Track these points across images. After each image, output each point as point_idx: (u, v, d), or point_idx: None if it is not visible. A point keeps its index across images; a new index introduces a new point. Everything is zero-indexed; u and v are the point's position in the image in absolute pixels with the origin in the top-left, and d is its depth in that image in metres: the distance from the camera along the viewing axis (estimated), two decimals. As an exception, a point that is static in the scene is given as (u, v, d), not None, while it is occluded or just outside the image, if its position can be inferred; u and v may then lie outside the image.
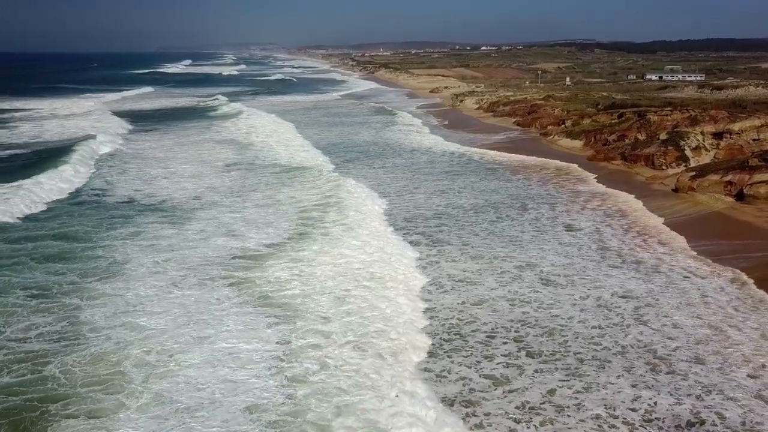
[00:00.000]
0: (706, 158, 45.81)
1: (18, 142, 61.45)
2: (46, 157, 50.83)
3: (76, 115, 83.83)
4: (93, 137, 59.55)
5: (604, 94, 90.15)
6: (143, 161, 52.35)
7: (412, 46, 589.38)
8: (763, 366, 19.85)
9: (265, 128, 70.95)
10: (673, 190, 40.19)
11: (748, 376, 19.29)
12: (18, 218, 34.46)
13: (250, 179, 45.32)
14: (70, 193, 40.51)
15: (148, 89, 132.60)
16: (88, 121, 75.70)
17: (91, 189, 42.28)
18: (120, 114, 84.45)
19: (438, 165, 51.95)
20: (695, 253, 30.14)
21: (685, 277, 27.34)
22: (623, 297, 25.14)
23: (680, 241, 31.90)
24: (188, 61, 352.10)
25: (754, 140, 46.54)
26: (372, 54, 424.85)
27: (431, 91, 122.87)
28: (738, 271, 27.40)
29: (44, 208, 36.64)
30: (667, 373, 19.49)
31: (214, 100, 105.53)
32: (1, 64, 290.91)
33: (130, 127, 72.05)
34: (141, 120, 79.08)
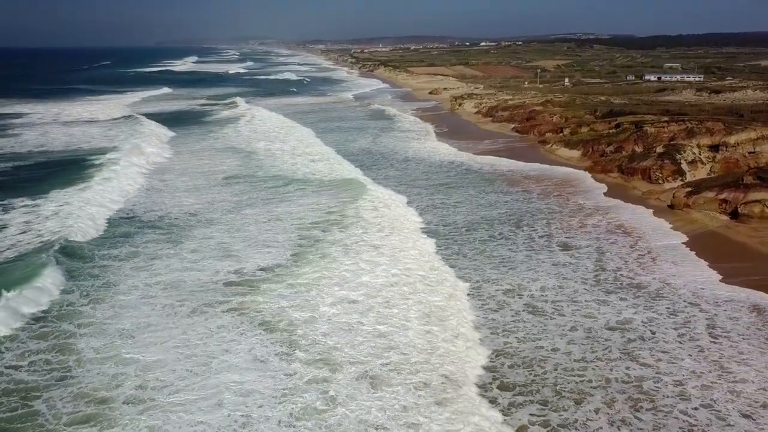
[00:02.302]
0: (702, 172, 45.95)
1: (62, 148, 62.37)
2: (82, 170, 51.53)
3: (106, 120, 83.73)
4: (136, 146, 60.96)
5: (603, 98, 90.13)
6: (192, 176, 51.33)
7: (412, 40, 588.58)
8: (764, 405, 19.61)
9: (270, 134, 72.43)
10: (668, 206, 40.33)
11: (742, 414, 19.27)
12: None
13: (248, 193, 45.77)
14: (109, 216, 39.42)
15: (166, 90, 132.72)
16: (120, 127, 76.14)
17: (131, 209, 41.73)
18: (149, 116, 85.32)
19: (434, 176, 51.88)
20: (700, 275, 29.82)
21: (692, 303, 26.91)
22: (617, 326, 24.93)
23: (682, 261, 31.61)
24: (194, 58, 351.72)
25: (750, 153, 46.67)
26: (371, 50, 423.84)
27: (430, 93, 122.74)
28: (757, 293, 27.06)
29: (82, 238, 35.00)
30: (648, 410, 19.56)
31: (232, 103, 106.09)
32: (4, 61, 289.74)
33: (172, 134, 72.16)
34: (172, 124, 78.96)
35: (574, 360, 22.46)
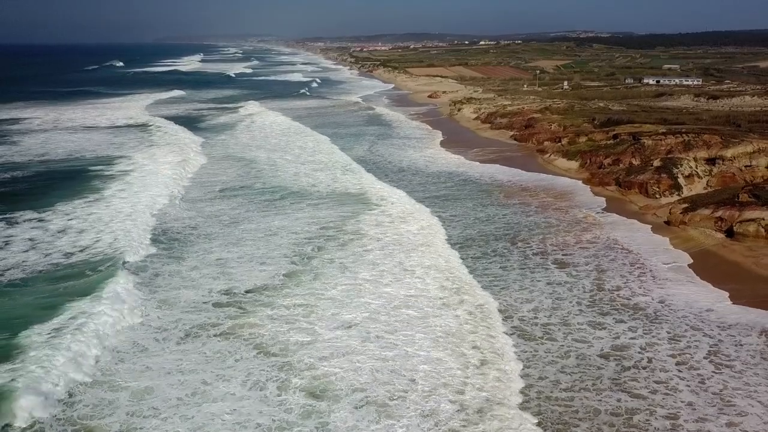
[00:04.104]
0: (698, 186, 46.08)
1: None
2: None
3: (127, 125, 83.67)
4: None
5: (602, 104, 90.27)
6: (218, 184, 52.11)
7: (411, 38, 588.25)
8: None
9: (286, 139, 74.61)
10: (665, 222, 40.45)
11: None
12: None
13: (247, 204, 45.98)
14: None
15: (177, 93, 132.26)
16: (137, 133, 76.50)
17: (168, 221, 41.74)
18: (167, 119, 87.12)
19: (431, 187, 51.71)
20: (701, 295, 29.66)
21: (694, 327, 26.63)
22: (611, 353, 24.78)
23: (682, 281, 31.50)
24: (199, 56, 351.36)
25: (746, 167, 46.78)
26: (371, 48, 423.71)
27: (429, 96, 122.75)
28: (764, 317, 26.86)
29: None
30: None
31: (243, 106, 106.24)
32: (9, 60, 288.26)
33: (201, 139, 72.78)
34: (195, 130, 79.32)
35: (561, 389, 22.29)
